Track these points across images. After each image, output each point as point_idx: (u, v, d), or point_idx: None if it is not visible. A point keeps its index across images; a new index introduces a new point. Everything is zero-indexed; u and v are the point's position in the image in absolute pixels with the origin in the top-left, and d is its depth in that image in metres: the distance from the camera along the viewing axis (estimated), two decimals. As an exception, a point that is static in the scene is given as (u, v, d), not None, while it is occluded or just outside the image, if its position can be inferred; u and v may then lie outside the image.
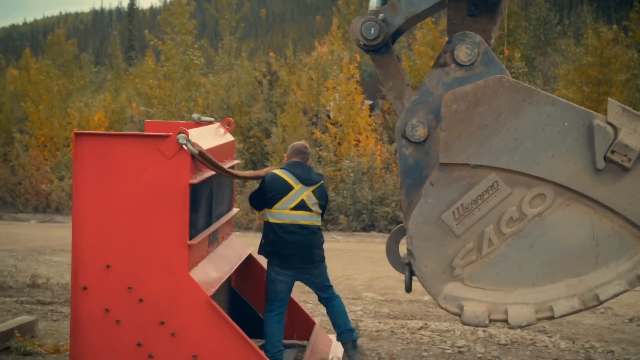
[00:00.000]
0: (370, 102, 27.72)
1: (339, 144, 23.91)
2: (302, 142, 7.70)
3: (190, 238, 6.25)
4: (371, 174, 21.40)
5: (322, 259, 7.46)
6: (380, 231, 20.04)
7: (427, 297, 10.91)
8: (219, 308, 6.24)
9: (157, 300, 6.21)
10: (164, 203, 6.18)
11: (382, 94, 29.82)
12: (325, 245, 7.49)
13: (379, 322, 9.22)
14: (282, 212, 7.20)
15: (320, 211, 7.38)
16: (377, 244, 17.82)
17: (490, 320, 6.40)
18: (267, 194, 7.22)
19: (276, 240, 7.20)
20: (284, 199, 7.20)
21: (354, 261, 14.75)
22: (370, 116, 25.25)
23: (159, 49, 29.58)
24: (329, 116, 25.83)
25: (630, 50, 23.64)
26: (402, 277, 11.95)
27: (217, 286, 6.55)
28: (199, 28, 33.40)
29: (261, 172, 7.49)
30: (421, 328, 8.90)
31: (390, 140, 25.23)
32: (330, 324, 8.97)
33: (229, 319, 6.26)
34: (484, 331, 8.68)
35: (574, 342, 8.52)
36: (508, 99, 6.38)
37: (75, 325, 6.24)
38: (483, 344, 8.28)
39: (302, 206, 7.24)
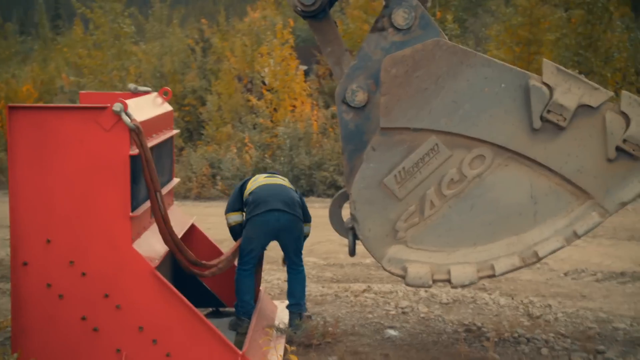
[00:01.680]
0: (305, 67, 27.63)
1: (275, 110, 23.81)
2: None
3: (132, 210, 6.18)
4: (308, 140, 21.39)
5: (301, 217, 7.69)
6: (319, 196, 20.08)
7: (369, 260, 11.01)
8: (164, 279, 6.20)
9: (100, 274, 6.14)
10: (104, 176, 6.08)
11: (316, 59, 29.75)
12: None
13: (323, 287, 9.29)
14: (257, 181, 7.63)
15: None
16: (316, 208, 17.82)
17: (434, 281, 6.52)
18: (240, 195, 7.70)
19: (257, 200, 7.41)
20: (252, 179, 7.75)
21: (294, 227, 14.74)
22: (305, 81, 25.18)
23: (87, 17, 28.94)
24: (264, 82, 25.69)
25: (558, 10, 23.97)
26: (343, 241, 12.06)
27: (162, 257, 6.51)
28: (128, -5, 32.77)
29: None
30: (364, 291, 8.98)
31: (326, 105, 25.25)
32: (274, 292, 9.04)
33: (175, 290, 6.22)
34: (425, 291, 8.80)
35: (512, 298, 8.72)
36: (446, 62, 6.45)
37: (17, 302, 6.13)
38: (425, 303, 8.41)
39: (272, 175, 7.75)
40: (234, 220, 7.64)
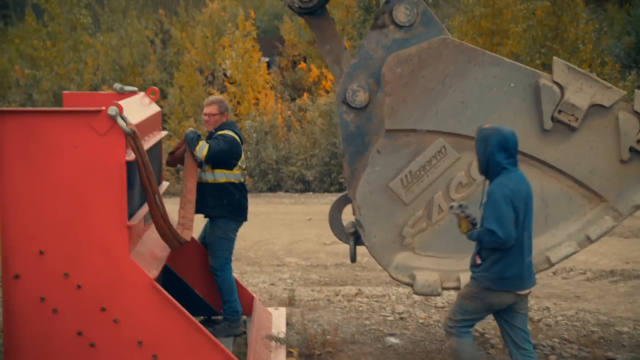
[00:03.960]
0: (266, 59, 27.33)
1: (238, 103, 23.49)
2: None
3: (129, 218, 5.87)
4: (274, 133, 21.10)
5: None
6: (286, 191, 19.85)
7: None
8: (164, 291, 5.90)
9: (96, 286, 5.81)
10: (99, 183, 5.75)
11: (278, 50, 29.46)
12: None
13: (312, 290, 9.02)
14: (239, 173, 7.26)
15: None
16: (286, 205, 17.64)
17: (443, 289, 6.32)
18: (230, 156, 7.13)
19: (240, 198, 7.25)
20: (240, 160, 7.24)
21: (267, 224, 14.53)
22: (268, 74, 24.87)
23: (42, 8, 28.25)
24: (225, 75, 25.32)
25: (524, 2, 23.95)
26: (321, 239, 11.85)
27: (160, 268, 6.20)
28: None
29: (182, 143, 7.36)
30: (356, 295, 8.74)
31: (291, 97, 24.97)
32: (262, 297, 8.76)
33: (175, 302, 5.92)
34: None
35: (509, 301, 8.54)
36: (453, 60, 6.25)
37: (9, 317, 5.77)
38: (422, 308, 8.20)
39: (244, 166, 7.40)
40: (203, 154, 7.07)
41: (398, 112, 6.27)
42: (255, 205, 17.92)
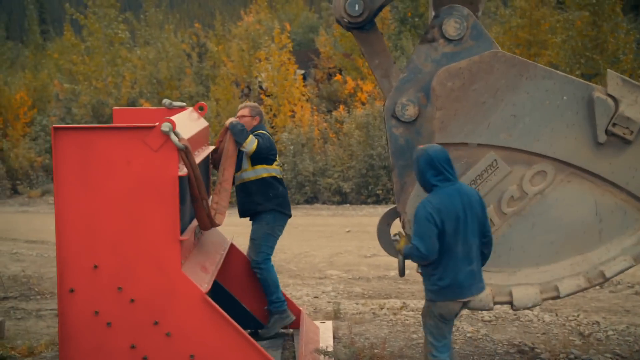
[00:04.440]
0: (302, 71, 27.40)
1: (275, 115, 23.54)
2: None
3: (181, 233, 5.90)
4: (311, 146, 21.13)
5: None
6: (323, 203, 19.84)
7: (393, 273, 10.76)
8: (215, 305, 5.93)
9: (149, 300, 5.86)
10: (152, 198, 5.81)
11: (313, 62, 29.54)
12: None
13: (357, 304, 9.00)
14: (278, 168, 7.55)
15: None
16: (324, 217, 17.63)
17: (495, 303, 6.26)
18: (270, 151, 7.42)
19: (284, 192, 7.58)
20: (278, 156, 7.60)
21: (306, 237, 14.55)
22: (304, 86, 24.91)
23: (81, 24, 28.59)
24: (261, 87, 25.42)
25: (562, 12, 23.79)
26: (362, 252, 11.82)
27: (211, 282, 6.23)
28: (122, 0, 32.20)
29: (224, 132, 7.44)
30: (402, 308, 8.71)
31: (327, 109, 25.00)
32: (307, 310, 8.75)
33: (226, 315, 5.95)
34: (466, 307, 8.53)
35: (557, 315, 8.46)
36: (505, 74, 6.21)
37: (64, 330, 5.85)
38: (468, 322, 8.14)
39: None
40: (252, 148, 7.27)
41: (449, 126, 6.25)
42: (293, 217, 17.76)
